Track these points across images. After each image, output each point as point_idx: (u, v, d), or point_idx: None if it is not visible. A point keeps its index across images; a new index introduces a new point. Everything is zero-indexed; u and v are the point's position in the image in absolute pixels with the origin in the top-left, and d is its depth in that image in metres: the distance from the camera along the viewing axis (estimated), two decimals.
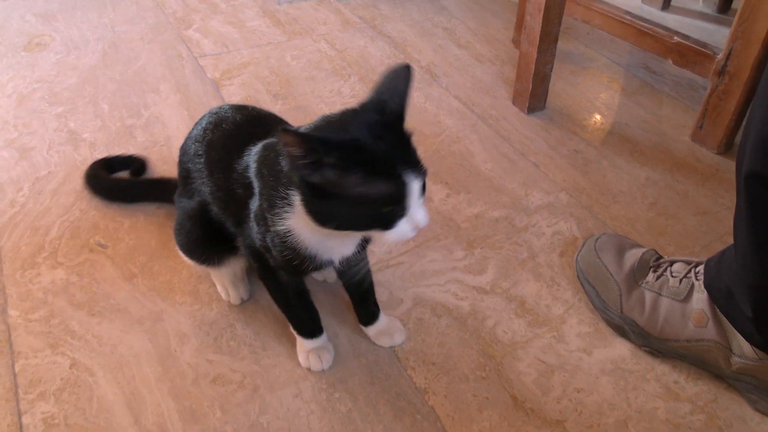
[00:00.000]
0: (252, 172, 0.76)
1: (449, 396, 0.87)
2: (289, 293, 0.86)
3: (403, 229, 0.66)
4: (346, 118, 0.67)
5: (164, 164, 1.25)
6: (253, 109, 0.91)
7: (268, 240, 0.75)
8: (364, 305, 0.93)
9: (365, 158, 0.62)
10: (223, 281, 0.98)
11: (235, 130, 0.85)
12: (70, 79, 1.54)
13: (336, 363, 0.90)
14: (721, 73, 1.23)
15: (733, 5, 1.91)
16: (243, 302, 0.99)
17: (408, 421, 0.84)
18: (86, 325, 0.95)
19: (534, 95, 1.42)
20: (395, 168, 0.62)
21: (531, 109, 1.44)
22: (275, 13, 1.86)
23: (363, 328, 0.94)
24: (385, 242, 0.67)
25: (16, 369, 0.89)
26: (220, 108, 0.90)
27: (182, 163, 0.92)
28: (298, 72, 1.58)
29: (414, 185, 0.63)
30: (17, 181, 1.22)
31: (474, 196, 1.20)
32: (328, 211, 0.65)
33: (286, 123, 0.90)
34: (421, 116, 1.42)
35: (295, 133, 0.58)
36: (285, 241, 0.73)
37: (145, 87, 1.51)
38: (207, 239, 0.91)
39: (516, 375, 0.90)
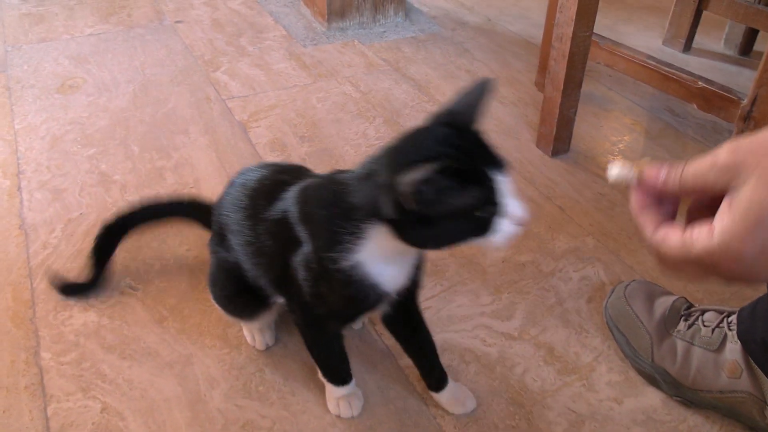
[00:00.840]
0: (294, 218, 0.76)
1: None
2: (329, 342, 0.86)
3: (505, 228, 0.63)
4: (419, 136, 0.65)
5: None
6: (276, 163, 0.93)
7: (323, 285, 0.74)
8: (432, 369, 0.91)
9: (454, 170, 0.60)
10: (251, 328, 0.99)
11: (261, 184, 0.86)
12: (102, 120, 1.58)
13: (365, 410, 0.90)
14: (746, 118, 1.24)
15: (756, 47, 1.93)
16: (268, 348, 1.00)
17: None
18: (117, 369, 0.96)
19: (558, 138, 1.43)
20: (481, 169, 0.61)
21: (555, 152, 1.45)
22: (301, 56, 1.91)
23: (433, 394, 0.92)
24: (493, 247, 0.65)
25: (49, 413, 0.90)
26: (247, 168, 0.92)
27: (217, 217, 0.93)
28: (324, 114, 1.61)
29: (502, 181, 0.62)
30: (50, 223, 1.24)
31: None
32: (426, 232, 0.64)
33: (309, 170, 0.92)
34: None
35: (415, 177, 0.57)
36: (350, 276, 0.71)
37: (175, 129, 1.55)
38: (241, 294, 0.92)
39: (546, 425, 0.89)
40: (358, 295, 0.73)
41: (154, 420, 0.89)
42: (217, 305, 0.97)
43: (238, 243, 0.86)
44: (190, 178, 1.37)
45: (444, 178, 0.59)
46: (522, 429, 0.88)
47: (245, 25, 2.11)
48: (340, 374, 0.89)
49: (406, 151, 0.65)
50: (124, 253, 1.17)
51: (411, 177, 0.57)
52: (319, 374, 0.90)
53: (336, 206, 0.69)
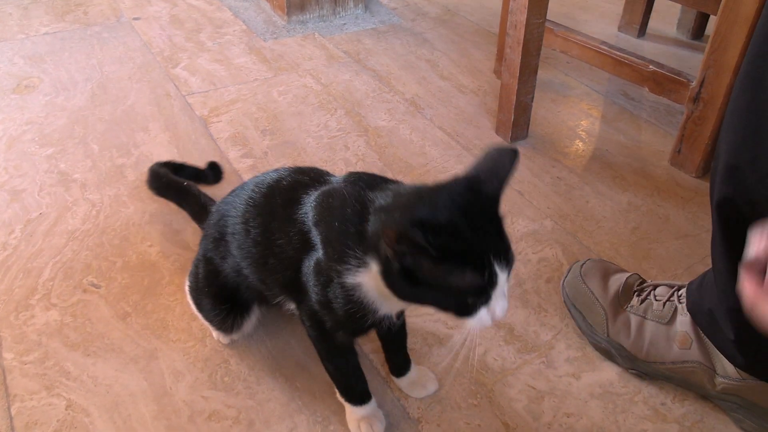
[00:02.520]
0: (310, 221, 0.74)
1: (442, 425, 0.88)
2: (342, 357, 0.84)
3: (482, 317, 0.63)
4: (440, 195, 0.63)
5: (154, 203, 1.27)
6: (297, 167, 0.89)
7: (330, 293, 0.71)
8: (397, 355, 0.92)
9: (459, 247, 0.59)
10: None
11: (278, 184, 0.84)
12: (60, 120, 1.56)
13: (329, 394, 0.91)
14: (695, 99, 1.28)
15: (707, 31, 1.98)
16: (232, 342, 1.00)
17: None
18: (81, 366, 0.96)
19: (516, 125, 1.46)
20: (487, 258, 0.60)
21: (514, 138, 1.48)
22: (261, 50, 1.90)
23: (395, 379, 0.93)
24: (462, 327, 0.65)
25: (13, 412, 0.90)
26: (264, 174, 0.90)
27: (217, 219, 0.90)
28: (285, 107, 1.61)
29: (502, 276, 0.61)
30: (9, 224, 1.23)
31: None
32: (410, 289, 0.63)
33: (330, 174, 0.87)
34: (407, 148, 1.45)
35: (401, 233, 0.57)
36: (351, 295, 0.70)
37: (135, 126, 1.54)
38: (226, 303, 0.92)
39: (507, 402, 0.91)
40: (357, 312, 0.71)
41: (120, 415, 0.90)
42: (199, 314, 0.96)
43: (242, 244, 0.84)
44: None
45: (444, 252, 0.57)
46: (483, 407, 0.90)
47: (204, 21, 2.10)
48: (357, 393, 0.86)
49: (420, 206, 0.62)
50: (85, 251, 1.16)
51: (411, 237, 0.56)
52: (338, 395, 0.88)
53: (352, 225, 0.68)
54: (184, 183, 1.17)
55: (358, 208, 0.68)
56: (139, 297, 1.08)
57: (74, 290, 1.09)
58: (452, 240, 0.59)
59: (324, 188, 0.76)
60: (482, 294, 0.61)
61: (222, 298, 0.92)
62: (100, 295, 1.08)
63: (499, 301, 0.63)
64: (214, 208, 0.96)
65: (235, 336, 0.99)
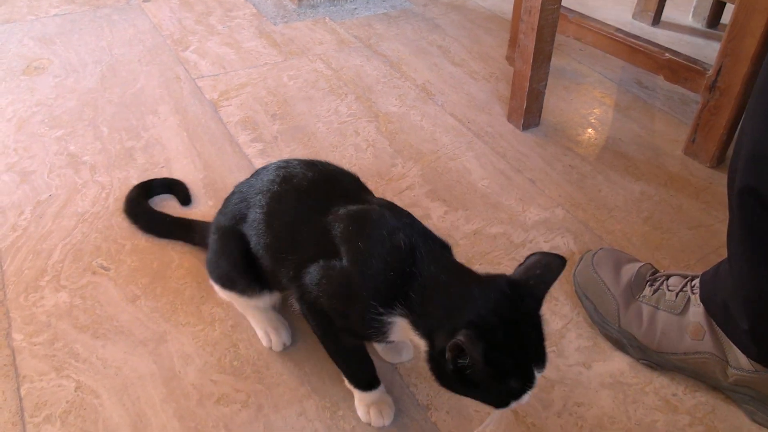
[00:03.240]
0: (340, 236, 0.75)
1: (451, 412, 0.88)
2: (349, 350, 0.84)
3: (512, 406, 0.68)
4: (492, 297, 0.67)
5: None
6: (323, 165, 0.90)
7: (358, 315, 0.74)
8: None
9: (507, 360, 0.64)
10: (265, 326, 0.97)
11: (309, 185, 0.84)
12: (69, 102, 1.55)
13: (338, 380, 0.90)
14: (711, 88, 1.26)
15: (723, 20, 1.95)
16: (286, 348, 0.97)
17: None
18: (90, 348, 0.96)
19: (529, 112, 1.44)
20: (530, 369, 0.66)
21: (526, 126, 1.46)
22: (271, 33, 1.89)
23: (373, 344, 0.95)
24: (492, 414, 0.72)
25: (22, 393, 0.90)
26: (288, 162, 0.90)
27: (236, 212, 0.89)
28: (295, 92, 1.60)
29: (536, 380, 0.67)
30: (18, 205, 1.23)
31: (471, 212, 1.22)
32: (452, 381, 0.68)
33: (358, 180, 0.90)
34: (417, 134, 1.44)
35: (462, 346, 0.61)
36: (380, 325, 0.72)
37: (144, 109, 1.53)
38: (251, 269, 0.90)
39: None
40: (378, 333, 0.74)
41: (129, 397, 0.90)
42: (216, 283, 0.95)
43: (262, 234, 0.84)
44: (161, 158, 1.36)
45: (494, 364, 0.63)
46: None
47: (214, 4, 2.08)
48: (365, 379, 0.86)
49: (475, 309, 0.66)
50: (95, 233, 1.16)
51: (470, 351, 0.61)
52: (346, 381, 0.87)
53: (398, 276, 0.71)
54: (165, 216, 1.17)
55: (401, 261, 0.71)
56: (149, 280, 1.07)
57: (84, 272, 1.09)
58: (502, 352, 0.64)
59: (360, 210, 0.78)
60: (519, 396, 0.67)
61: (245, 261, 0.89)
62: (110, 278, 1.08)
63: (527, 395, 0.67)
64: (236, 188, 0.94)
65: (286, 338, 0.97)
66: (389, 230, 0.74)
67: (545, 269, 0.69)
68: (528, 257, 0.71)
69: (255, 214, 0.86)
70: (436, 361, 0.68)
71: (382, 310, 0.71)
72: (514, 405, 0.68)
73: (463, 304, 0.67)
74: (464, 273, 0.72)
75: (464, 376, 0.65)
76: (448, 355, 0.63)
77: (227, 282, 0.93)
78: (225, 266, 0.92)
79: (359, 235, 0.74)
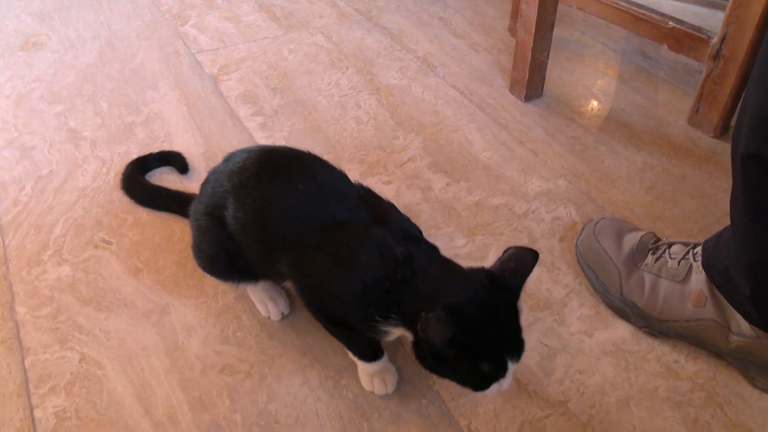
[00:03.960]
0: (331, 248, 0.78)
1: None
2: (350, 330, 0.83)
3: (491, 391, 0.72)
4: (471, 287, 0.71)
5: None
6: (287, 148, 0.90)
7: (357, 317, 0.76)
8: None
9: (481, 346, 0.69)
10: (262, 296, 0.97)
11: (300, 179, 0.83)
12: (68, 78, 1.54)
13: (340, 350, 0.91)
14: (716, 57, 1.24)
15: None
16: (284, 317, 0.97)
17: (414, 406, 0.85)
18: (94, 320, 0.97)
19: (531, 83, 1.43)
20: (503, 354, 0.70)
21: (528, 97, 1.45)
22: (271, 7, 1.87)
23: None
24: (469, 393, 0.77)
25: (26, 365, 0.91)
26: (272, 150, 0.90)
27: (212, 199, 0.88)
28: (296, 66, 1.59)
29: (511, 367, 0.71)
30: (19, 181, 1.23)
31: (473, 184, 1.21)
32: (435, 365, 0.72)
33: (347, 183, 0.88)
34: (419, 106, 1.43)
35: (439, 333, 0.65)
36: (379, 329, 0.75)
37: (144, 84, 1.52)
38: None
39: None
40: (379, 336, 0.77)
41: (133, 368, 0.90)
42: (203, 271, 0.94)
43: (249, 228, 0.83)
44: (161, 133, 1.35)
45: (469, 348, 0.68)
46: None
47: None
48: (368, 350, 0.85)
49: (454, 298, 0.70)
50: (96, 207, 1.16)
51: (435, 334, 0.66)
52: (349, 354, 0.87)
53: (392, 284, 0.73)
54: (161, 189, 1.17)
55: (393, 262, 0.74)
56: (151, 253, 1.08)
57: (85, 246, 1.09)
58: (476, 338, 0.68)
59: (353, 228, 0.79)
60: (493, 379, 0.71)
61: (227, 250, 0.88)
62: (112, 251, 1.08)
63: (506, 380, 0.72)
64: (209, 175, 0.92)
65: (284, 307, 0.97)
66: (382, 244, 0.76)
67: (519, 262, 0.73)
68: (505, 251, 0.75)
69: (231, 201, 0.84)
70: (418, 345, 0.72)
71: (379, 318, 0.74)
72: (493, 390, 0.72)
73: (444, 292, 0.71)
74: (448, 266, 0.77)
75: (440, 357, 0.70)
76: (419, 328, 0.67)
77: (214, 270, 0.93)
78: (207, 255, 0.91)
79: (355, 252, 0.76)
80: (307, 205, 0.80)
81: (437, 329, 0.65)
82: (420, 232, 0.84)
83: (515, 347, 0.71)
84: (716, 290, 0.86)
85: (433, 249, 0.81)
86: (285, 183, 0.82)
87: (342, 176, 0.87)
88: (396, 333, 0.75)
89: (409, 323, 0.72)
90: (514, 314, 0.72)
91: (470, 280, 0.73)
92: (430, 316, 0.65)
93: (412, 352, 0.73)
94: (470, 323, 0.68)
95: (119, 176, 1.21)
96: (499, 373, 0.70)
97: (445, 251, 1.06)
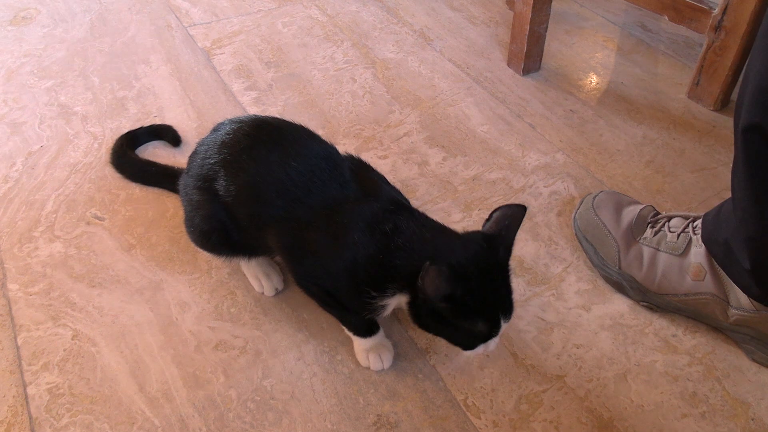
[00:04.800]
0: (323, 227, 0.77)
1: (450, 355, 0.88)
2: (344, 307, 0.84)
3: (478, 350, 0.74)
4: (467, 248, 0.72)
5: None
6: (273, 119, 0.89)
7: (352, 294, 0.77)
8: None
9: (478, 304, 0.69)
10: (256, 272, 0.96)
11: (294, 153, 0.82)
12: (59, 52, 1.52)
13: (336, 326, 0.90)
14: (717, 28, 1.22)
15: None
16: (278, 292, 0.96)
17: (410, 381, 0.85)
18: (86, 297, 0.96)
19: (529, 56, 1.41)
20: (497, 315, 0.71)
21: (526, 71, 1.43)
22: None
23: None
24: (460, 353, 0.78)
25: (19, 341, 0.90)
26: (264, 122, 0.87)
27: (201, 171, 0.86)
28: (290, 39, 1.56)
29: (504, 326, 0.72)
30: (10, 157, 1.21)
31: (471, 158, 1.20)
32: (431, 323, 0.73)
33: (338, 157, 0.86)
34: (415, 80, 1.41)
35: (439, 287, 0.66)
36: (374, 305, 0.75)
37: (135, 58, 1.49)
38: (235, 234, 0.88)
39: (516, 333, 0.90)
40: (375, 312, 0.77)
41: (127, 344, 0.89)
42: (197, 246, 0.94)
43: (243, 202, 0.82)
44: (153, 107, 1.33)
45: (467, 306, 0.69)
46: None
47: None
48: (363, 325, 0.85)
49: (452, 257, 0.71)
50: (88, 183, 1.15)
51: (433, 290, 0.66)
52: (345, 329, 0.87)
53: (383, 254, 0.73)
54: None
55: (384, 235, 0.73)
56: (144, 229, 1.06)
57: (78, 222, 1.08)
58: (474, 296, 0.69)
59: (346, 196, 0.78)
60: (486, 338, 0.73)
61: (220, 224, 0.87)
62: (104, 227, 1.07)
63: (494, 340, 0.73)
64: (198, 146, 0.91)
65: (277, 283, 0.96)
66: (373, 220, 0.75)
67: (513, 219, 0.73)
68: (493, 212, 0.75)
69: (222, 174, 0.83)
70: (415, 304, 0.72)
71: (375, 293, 0.73)
72: (481, 349, 0.73)
73: (444, 252, 0.72)
74: (444, 230, 0.77)
75: (436, 314, 0.70)
76: (419, 278, 0.66)
77: (207, 245, 0.92)
78: (201, 229, 0.89)
79: (347, 230, 0.75)
80: (300, 181, 0.78)
81: (436, 282, 0.65)
82: (409, 203, 0.84)
83: (508, 307, 0.72)
84: (715, 264, 0.85)
85: (426, 216, 0.80)
86: (277, 158, 0.81)
87: (333, 151, 0.85)
88: (392, 304, 0.75)
89: (407, 286, 0.71)
90: (506, 275, 0.73)
91: (468, 241, 0.73)
92: (432, 267, 0.64)
93: (408, 311, 0.73)
94: (470, 282, 0.68)
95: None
96: (493, 332, 0.72)
97: None
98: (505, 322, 0.72)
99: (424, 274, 0.65)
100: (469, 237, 0.74)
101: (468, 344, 0.74)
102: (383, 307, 0.75)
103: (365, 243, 0.74)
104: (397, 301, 0.74)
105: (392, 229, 0.74)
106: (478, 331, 0.72)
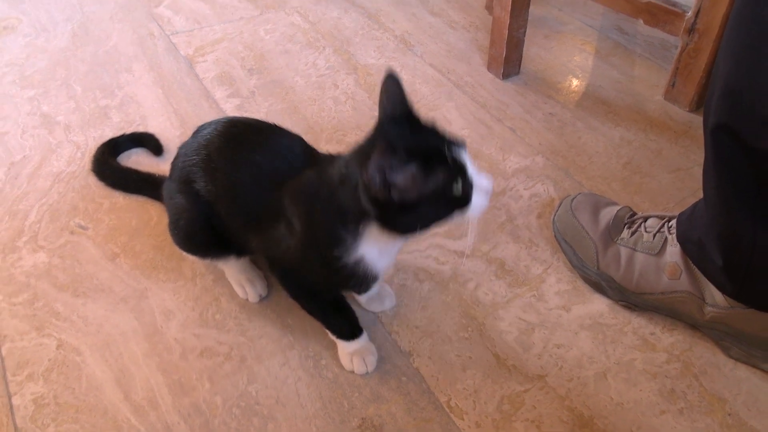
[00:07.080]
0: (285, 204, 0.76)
1: (433, 357, 0.89)
2: (327, 305, 0.86)
3: (478, 200, 0.69)
4: (382, 132, 0.70)
5: None
6: (252, 120, 0.90)
7: (328, 270, 0.76)
8: None
9: (419, 147, 0.66)
10: (240, 278, 0.97)
11: (250, 141, 0.84)
12: (41, 62, 1.52)
13: (320, 330, 0.91)
14: (690, 31, 1.25)
15: None
16: (262, 299, 0.97)
17: (394, 383, 0.86)
18: (71, 306, 0.96)
19: (508, 61, 1.43)
20: (442, 152, 0.66)
21: (506, 75, 1.45)
22: None
23: (354, 296, 0.95)
24: (470, 220, 0.70)
25: (3, 352, 0.90)
26: (235, 121, 0.89)
27: (184, 174, 0.87)
28: (272, 46, 1.57)
29: (463, 156, 0.68)
30: None
31: None
32: (409, 219, 0.68)
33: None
34: None
35: (386, 146, 0.61)
36: (355, 268, 0.75)
37: (118, 67, 1.50)
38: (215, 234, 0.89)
39: (498, 334, 0.92)
40: (357, 281, 0.77)
41: (111, 353, 0.90)
42: (181, 249, 0.95)
43: (225, 202, 0.84)
44: (136, 116, 1.33)
45: (408, 165, 0.63)
46: (474, 340, 0.91)
47: None
48: (346, 329, 0.86)
49: (367, 150, 0.68)
50: (71, 192, 1.15)
51: (379, 172, 0.62)
52: (329, 333, 0.87)
53: (332, 209, 0.71)
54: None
55: (328, 191, 0.71)
56: (128, 238, 1.07)
57: (61, 232, 1.08)
58: (412, 141, 0.67)
59: (302, 183, 0.77)
60: (460, 178, 0.66)
61: (203, 226, 0.88)
62: (88, 237, 1.07)
63: (480, 177, 0.69)
64: (179, 150, 0.92)
65: (261, 290, 0.97)
66: (309, 181, 0.75)
67: (394, 91, 0.71)
68: (381, 91, 0.72)
69: (200, 175, 0.84)
70: (384, 214, 0.68)
71: (341, 249, 0.73)
72: (477, 197, 0.69)
73: (367, 153, 0.66)
74: (358, 146, 0.73)
75: (409, 205, 0.66)
76: (377, 191, 0.64)
77: (192, 247, 0.93)
78: (185, 231, 0.91)
79: (300, 203, 0.75)
80: (264, 175, 0.80)
81: (379, 162, 0.62)
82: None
83: (448, 141, 0.68)
84: (691, 262, 0.87)
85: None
86: (246, 156, 0.82)
87: (298, 140, 0.86)
88: (366, 250, 0.73)
89: (362, 214, 0.69)
90: (428, 126, 0.70)
91: (377, 131, 0.71)
92: (368, 160, 0.62)
93: (383, 227, 0.69)
94: (403, 139, 0.67)
95: None
96: (458, 168, 0.67)
97: None
98: (459, 149, 0.67)
99: (363, 171, 0.63)
100: (375, 130, 0.72)
101: (458, 201, 0.68)
102: (359, 262, 0.74)
103: (308, 210, 0.74)
104: (370, 239, 0.72)
105: (327, 180, 0.72)
106: (446, 179, 0.66)
